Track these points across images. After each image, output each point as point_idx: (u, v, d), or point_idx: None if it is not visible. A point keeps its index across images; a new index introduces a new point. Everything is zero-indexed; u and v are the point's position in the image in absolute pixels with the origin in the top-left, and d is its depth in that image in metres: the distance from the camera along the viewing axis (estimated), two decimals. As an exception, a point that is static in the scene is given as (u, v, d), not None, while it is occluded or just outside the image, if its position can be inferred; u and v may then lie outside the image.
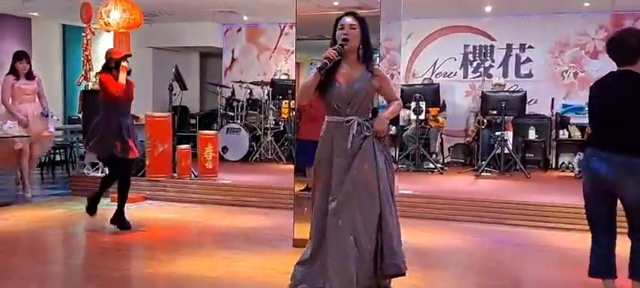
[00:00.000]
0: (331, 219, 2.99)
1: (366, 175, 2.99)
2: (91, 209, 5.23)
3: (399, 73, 9.72)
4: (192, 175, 7.02)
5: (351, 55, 3.08)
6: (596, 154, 3.09)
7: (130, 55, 5.20)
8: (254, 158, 8.86)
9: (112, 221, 5.24)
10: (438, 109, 8.72)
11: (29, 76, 6.65)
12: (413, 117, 8.34)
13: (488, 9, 8.85)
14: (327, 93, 3.06)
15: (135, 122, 5.45)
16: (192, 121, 10.65)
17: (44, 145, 7.04)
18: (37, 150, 6.88)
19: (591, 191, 3.17)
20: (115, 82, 5.00)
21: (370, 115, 3.10)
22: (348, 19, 3.07)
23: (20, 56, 6.62)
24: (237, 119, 9.33)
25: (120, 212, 5.24)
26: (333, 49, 3.00)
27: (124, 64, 5.04)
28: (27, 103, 6.63)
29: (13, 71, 6.60)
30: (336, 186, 3.01)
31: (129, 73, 5.17)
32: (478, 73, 9.51)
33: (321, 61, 2.97)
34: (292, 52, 10.64)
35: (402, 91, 8.64)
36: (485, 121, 8.41)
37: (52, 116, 7.04)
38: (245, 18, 10.31)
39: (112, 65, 5.08)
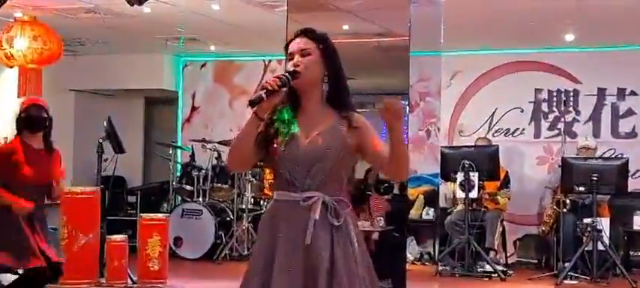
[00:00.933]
0: None
1: None
2: None
3: (438, 130, 9.80)
4: (130, 281, 7.01)
5: (311, 96, 2.93)
6: None
7: (41, 107, 5.25)
8: (222, 255, 8.83)
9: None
10: (498, 183, 8.74)
11: None
12: (460, 195, 8.36)
13: (569, 37, 9.01)
14: (274, 154, 2.89)
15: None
16: (131, 200, 10.64)
17: None
18: None
19: None
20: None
21: (342, 196, 2.88)
22: (298, 42, 2.95)
23: None
24: (199, 196, 9.35)
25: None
26: (276, 76, 2.85)
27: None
28: None
29: None
30: None
31: (47, 139, 5.22)
32: (556, 131, 9.59)
33: (255, 95, 2.82)
34: (281, 98, 10.74)
35: (443, 156, 8.70)
36: (567, 201, 8.43)
37: None
38: (212, 48, 10.48)
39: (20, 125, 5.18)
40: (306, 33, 2.96)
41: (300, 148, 2.85)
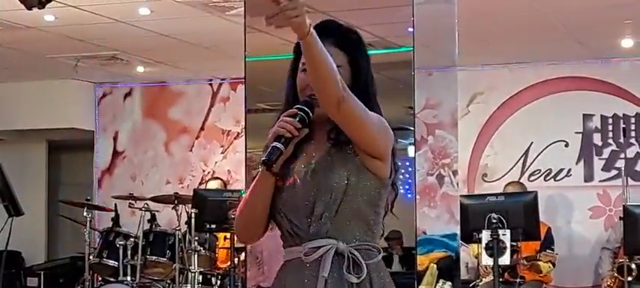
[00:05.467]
0: None
1: None
2: None
3: (453, 175, 9.79)
4: None
5: (327, 123, 2.97)
6: None
7: None
8: None
9: None
10: (538, 243, 8.74)
11: None
12: (487, 262, 8.33)
13: (627, 43, 9.08)
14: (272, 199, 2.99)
15: None
16: (32, 283, 10.56)
17: None
18: None
19: None
20: None
21: (369, 240, 2.93)
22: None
23: None
24: (126, 274, 9.23)
25: None
26: (289, 114, 2.90)
27: None
28: None
29: None
30: None
31: None
32: (614, 172, 9.66)
33: (268, 146, 2.88)
34: (237, 136, 10.71)
35: (463, 209, 8.66)
36: (633, 267, 8.43)
37: None
38: (140, 69, 10.47)
39: None
40: (335, 35, 2.97)
41: (296, 183, 2.93)
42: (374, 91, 3.02)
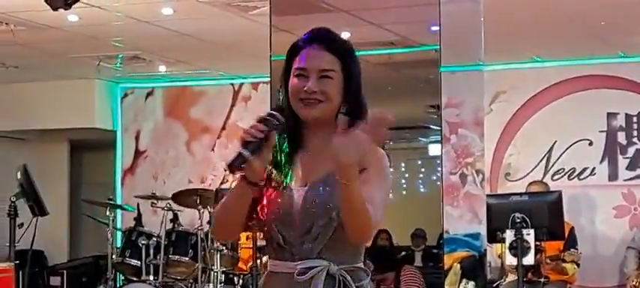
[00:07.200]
0: None
1: None
2: None
3: (477, 174, 9.76)
4: None
5: (318, 130, 2.94)
6: None
7: None
8: None
9: None
10: (562, 243, 8.71)
11: None
12: (510, 262, 8.30)
13: (652, 41, 9.08)
14: (262, 210, 2.95)
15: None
16: (55, 282, 10.54)
17: None
18: None
19: None
20: None
21: (357, 262, 2.91)
22: (316, 55, 2.91)
23: None
24: (149, 274, 9.24)
25: None
26: (261, 119, 2.85)
27: None
28: None
29: None
30: None
31: None
32: (639, 171, 9.64)
33: (236, 151, 2.80)
34: (259, 136, 10.76)
35: (489, 209, 8.63)
36: (659, 266, 8.43)
37: None
38: (162, 69, 10.49)
39: None
40: (329, 41, 2.93)
41: (294, 201, 2.89)
42: (363, 96, 2.96)
